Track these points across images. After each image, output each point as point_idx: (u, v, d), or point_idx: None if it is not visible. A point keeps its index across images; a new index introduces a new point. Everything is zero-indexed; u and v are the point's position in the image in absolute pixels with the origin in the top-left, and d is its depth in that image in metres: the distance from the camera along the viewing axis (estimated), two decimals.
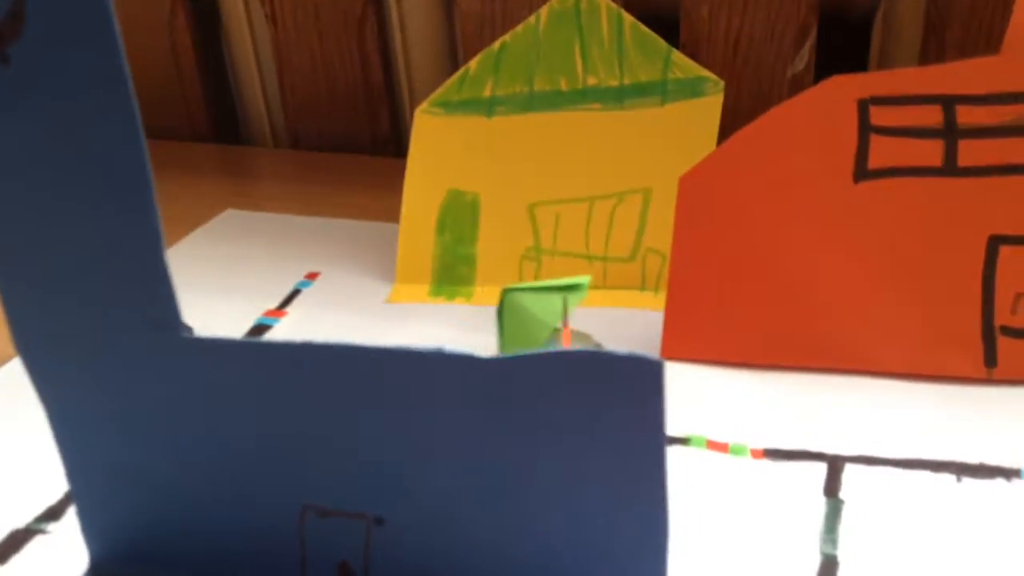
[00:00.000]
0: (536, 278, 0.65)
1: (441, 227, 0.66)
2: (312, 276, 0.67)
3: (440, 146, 0.67)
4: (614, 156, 0.66)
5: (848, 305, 0.53)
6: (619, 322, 0.60)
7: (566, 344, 0.40)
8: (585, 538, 0.34)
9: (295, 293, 0.65)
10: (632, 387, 0.32)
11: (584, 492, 0.34)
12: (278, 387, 0.35)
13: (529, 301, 0.46)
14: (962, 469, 0.45)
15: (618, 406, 0.32)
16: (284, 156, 0.95)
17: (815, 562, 0.41)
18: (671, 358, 0.55)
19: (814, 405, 0.51)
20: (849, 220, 0.53)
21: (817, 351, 0.53)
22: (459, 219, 0.66)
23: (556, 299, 0.46)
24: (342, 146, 0.94)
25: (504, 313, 0.47)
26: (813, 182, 0.54)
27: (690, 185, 0.55)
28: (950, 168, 0.52)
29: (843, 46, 0.83)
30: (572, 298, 0.46)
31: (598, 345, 0.50)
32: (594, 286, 0.65)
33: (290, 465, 0.36)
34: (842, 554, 0.41)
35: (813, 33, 0.78)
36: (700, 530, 0.43)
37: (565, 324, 0.37)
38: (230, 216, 0.78)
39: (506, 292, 0.47)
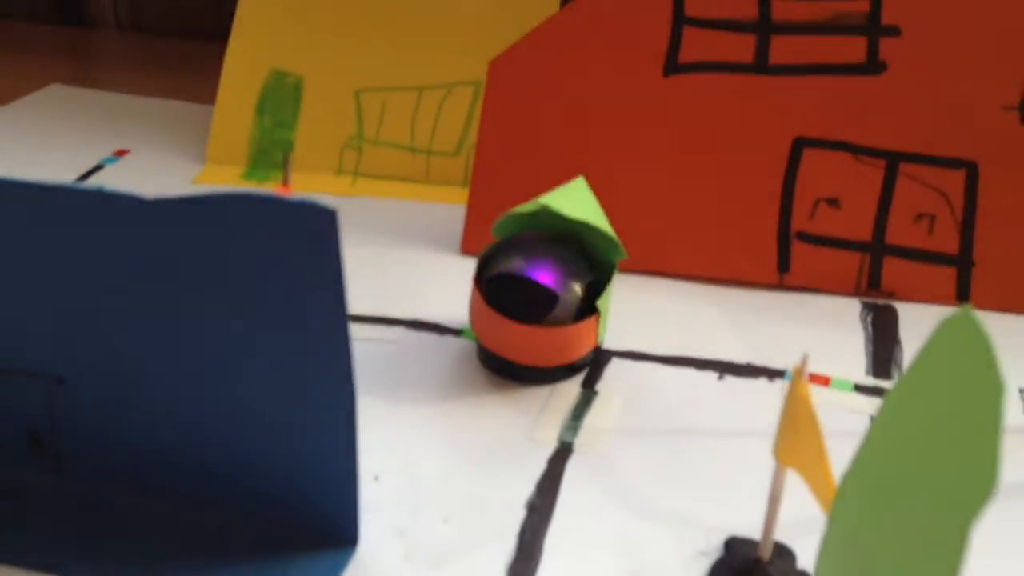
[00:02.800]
0: (357, 168, 0.62)
1: (261, 108, 0.63)
2: (121, 153, 0.63)
3: (266, 23, 0.63)
4: (447, 45, 0.62)
5: (648, 204, 0.51)
6: (436, 218, 0.58)
7: None
8: (272, 392, 0.32)
9: (96, 168, 0.61)
10: (306, 235, 0.29)
11: (267, 345, 0.31)
12: None
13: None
14: (727, 368, 0.44)
15: (293, 253, 0.29)
16: (127, 39, 0.90)
17: (550, 448, 0.39)
18: (471, 253, 0.53)
19: None
20: (655, 116, 0.51)
21: None
22: (280, 101, 0.63)
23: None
24: (188, 31, 0.89)
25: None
26: (623, 73, 0.51)
27: (499, 71, 0.53)
28: (761, 65, 0.50)
29: None
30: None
31: None
32: (416, 180, 0.63)
33: None
34: (579, 441, 0.40)
35: None
36: (435, 415, 0.41)
37: (286, 182, 0.34)
38: (54, 90, 0.73)
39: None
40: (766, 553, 0.32)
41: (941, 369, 0.20)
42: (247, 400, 0.33)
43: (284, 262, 0.30)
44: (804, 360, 0.25)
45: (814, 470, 0.26)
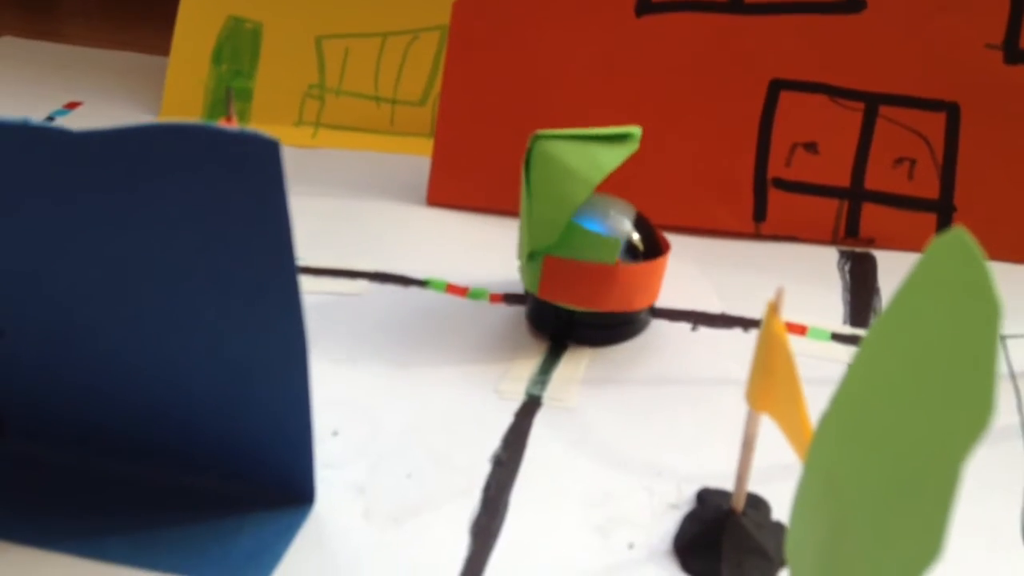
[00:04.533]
0: (319, 118, 0.59)
1: (217, 57, 0.60)
2: (72, 105, 0.61)
3: None
4: None
5: None
6: (401, 169, 0.56)
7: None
8: (218, 339, 0.30)
9: (47, 121, 0.59)
10: (247, 168, 0.27)
11: (211, 288, 0.29)
12: None
13: (563, 152, 0.38)
14: (700, 318, 0.43)
15: (234, 188, 0.27)
16: None
17: (518, 402, 0.38)
18: (437, 204, 0.51)
19: None
20: (627, 58, 0.49)
21: None
22: (238, 49, 0.60)
23: (597, 151, 0.38)
24: None
25: (533, 164, 0.39)
26: (593, 13, 0.49)
27: (464, 13, 0.50)
28: (736, 4, 0.47)
29: None
30: (621, 151, 0.38)
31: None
32: (380, 131, 0.60)
33: None
34: (548, 395, 0.38)
35: None
36: (399, 368, 0.39)
37: (230, 116, 0.32)
38: (6, 43, 0.70)
39: (536, 139, 0.39)
40: (739, 504, 0.30)
41: (930, 293, 0.18)
42: (192, 349, 0.31)
43: (224, 198, 0.28)
44: (779, 294, 0.24)
45: (789, 413, 0.24)
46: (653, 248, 0.40)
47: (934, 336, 0.17)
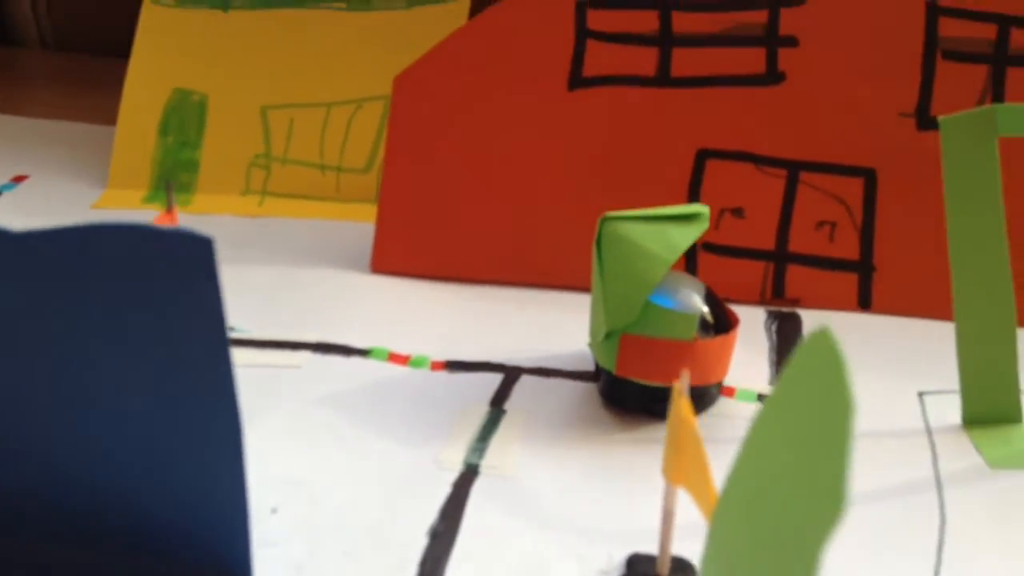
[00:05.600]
0: (265, 187, 0.61)
1: (164, 129, 0.61)
2: (19, 179, 0.61)
3: (168, 41, 0.62)
4: (355, 60, 0.62)
5: (556, 220, 0.51)
6: (346, 237, 0.57)
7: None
8: (150, 430, 0.31)
9: None
10: (181, 266, 0.28)
11: (143, 383, 0.30)
12: None
13: (635, 232, 0.39)
14: None
15: (167, 286, 0.28)
16: (51, 59, 0.87)
17: (456, 472, 0.39)
18: (381, 272, 0.53)
19: (508, 318, 0.49)
20: (561, 130, 0.51)
21: (525, 267, 0.51)
22: (184, 120, 0.61)
23: (669, 230, 0.39)
24: (112, 50, 0.87)
25: (604, 245, 0.40)
26: (528, 88, 0.51)
27: (404, 86, 0.52)
28: (663, 78, 0.50)
29: None
30: (694, 230, 0.40)
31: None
32: (326, 198, 0.62)
33: None
34: (485, 463, 0.39)
35: None
36: (338, 441, 0.40)
37: (170, 209, 0.33)
38: None
39: (605, 221, 0.40)
40: (664, 570, 0.32)
41: (801, 387, 0.20)
42: (123, 437, 0.31)
43: (158, 294, 0.29)
44: (684, 379, 0.25)
45: (701, 489, 0.26)
46: (723, 322, 0.41)
47: (803, 426, 0.19)
